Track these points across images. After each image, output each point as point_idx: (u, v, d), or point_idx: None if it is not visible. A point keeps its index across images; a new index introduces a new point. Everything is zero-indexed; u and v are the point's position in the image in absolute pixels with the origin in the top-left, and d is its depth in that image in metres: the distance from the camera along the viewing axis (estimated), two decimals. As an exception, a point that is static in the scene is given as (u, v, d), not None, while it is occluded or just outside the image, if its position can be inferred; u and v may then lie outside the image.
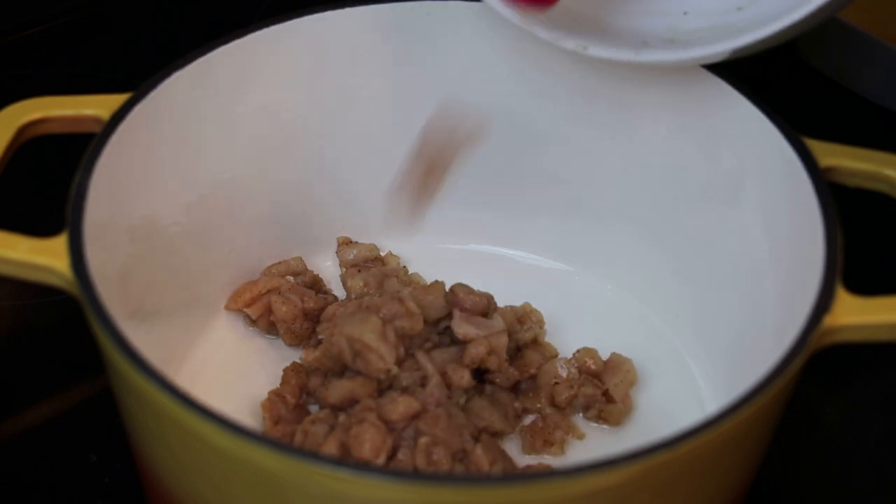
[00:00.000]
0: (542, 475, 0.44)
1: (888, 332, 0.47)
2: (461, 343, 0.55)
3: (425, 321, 0.55)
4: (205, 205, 0.58)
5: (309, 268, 0.62)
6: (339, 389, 0.54)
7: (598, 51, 0.53)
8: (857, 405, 0.62)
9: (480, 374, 0.56)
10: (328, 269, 0.63)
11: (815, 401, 0.61)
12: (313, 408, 0.56)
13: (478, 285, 0.57)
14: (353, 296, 0.60)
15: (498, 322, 0.56)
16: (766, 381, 0.44)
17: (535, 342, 0.59)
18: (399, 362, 0.54)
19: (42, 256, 0.48)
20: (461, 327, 0.55)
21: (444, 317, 0.56)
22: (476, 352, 0.55)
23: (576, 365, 0.58)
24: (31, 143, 0.53)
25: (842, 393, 0.62)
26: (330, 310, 0.58)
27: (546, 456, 0.56)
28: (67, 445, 0.58)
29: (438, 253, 0.64)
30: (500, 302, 0.58)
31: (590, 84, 0.59)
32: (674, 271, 0.60)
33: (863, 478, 0.59)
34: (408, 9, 0.59)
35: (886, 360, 0.62)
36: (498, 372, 0.56)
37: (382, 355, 0.53)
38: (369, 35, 0.59)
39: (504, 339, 0.55)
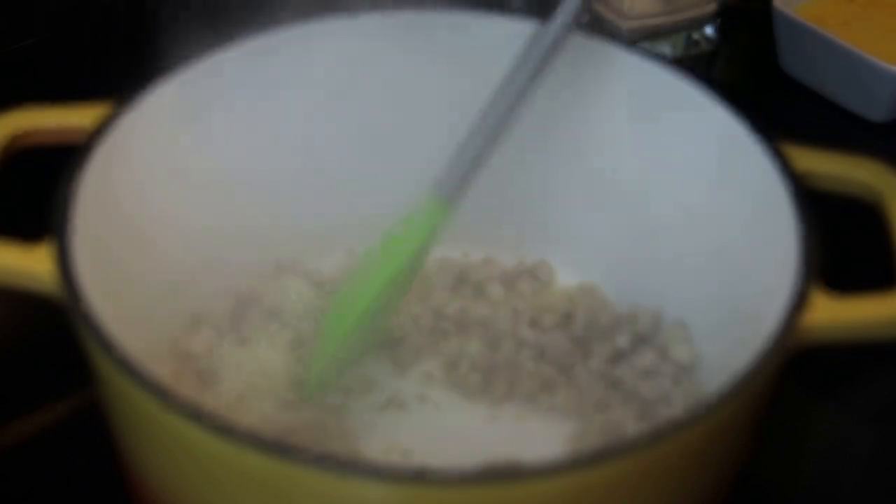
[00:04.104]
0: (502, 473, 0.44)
1: (863, 331, 0.47)
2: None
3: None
4: (202, 206, 0.58)
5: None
6: None
7: None
8: (849, 414, 0.62)
9: None
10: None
11: (805, 410, 0.61)
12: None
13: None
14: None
15: None
16: (737, 386, 0.44)
17: None
18: None
19: (27, 263, 0.48)
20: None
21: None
22: None
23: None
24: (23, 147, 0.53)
25: (833, 402, 0.62)
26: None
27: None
28: (66, 451, 0.58)
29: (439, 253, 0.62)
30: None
31: (558, 94, 0.59)
32: (654, 272, 0.60)
33: (854, 488, 0.59)
34: (410, 14, 0.60)
35: (878, 368, 0.62)
36: None
37: None
38: (371, 39, 0.60)
39: None
